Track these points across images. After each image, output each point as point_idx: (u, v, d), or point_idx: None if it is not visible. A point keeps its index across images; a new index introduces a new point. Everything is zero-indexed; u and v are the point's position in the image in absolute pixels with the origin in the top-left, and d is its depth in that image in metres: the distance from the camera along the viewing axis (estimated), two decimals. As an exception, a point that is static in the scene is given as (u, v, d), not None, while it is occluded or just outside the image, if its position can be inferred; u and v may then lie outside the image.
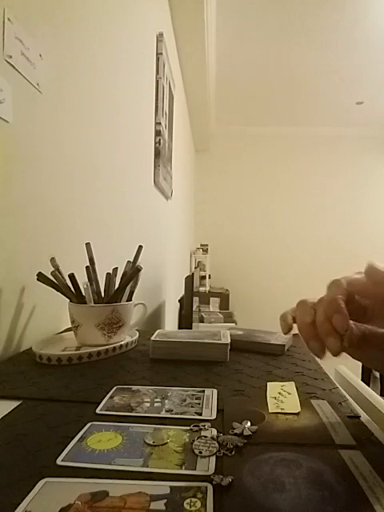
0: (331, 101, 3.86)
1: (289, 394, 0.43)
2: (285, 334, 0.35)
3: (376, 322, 0.33)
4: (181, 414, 0.38)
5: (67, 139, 0.81)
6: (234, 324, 3.05)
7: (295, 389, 0.44)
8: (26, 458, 0.29)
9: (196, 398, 0.42)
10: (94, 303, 0.63)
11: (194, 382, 0.47)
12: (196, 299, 2.16)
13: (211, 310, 3.76)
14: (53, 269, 0.61)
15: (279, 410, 0.38)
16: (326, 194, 4.69)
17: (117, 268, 0.69)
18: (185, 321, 1.87)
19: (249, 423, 0.35)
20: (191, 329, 1.79)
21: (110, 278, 0.67)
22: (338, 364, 0.63)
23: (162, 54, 1.79)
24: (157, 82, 1.80)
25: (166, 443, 0.32)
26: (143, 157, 1.61)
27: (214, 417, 0.37)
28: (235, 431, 0.34)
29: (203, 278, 4.17)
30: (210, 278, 4.38)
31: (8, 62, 0.58)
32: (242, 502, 0.24)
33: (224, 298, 4.07)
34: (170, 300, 2.47)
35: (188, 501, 0.24)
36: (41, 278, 0.60)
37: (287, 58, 3.05)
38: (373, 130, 4.57)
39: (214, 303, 3.93)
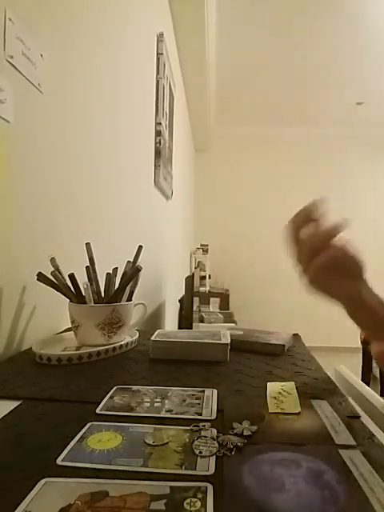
0: (331, 101, 3.85)
1: (289, 394, 0.43)
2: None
3: None
4: (181, 414, 0.38)
5: (68, 139, 0.81)
6: (234, 324, 3.04)
7: (295, 389, 0.44)
8: (26, 458, 0.29)
9: (196, 398, 0.42)
10: (94, 303, 0.63)
11: (194, 382, 0.47)
12: (196, 299, 2.15)
13: (211, 310, 3.76)
14: (53, 269, 0.61)
15: (279, 410, 0.38)
16: (325, 193, 4.68)
17: (117, 268, 0.69)
18: (185, 321, 1.87)
19: (249, 423, 0.35)
20: (191, 329, 1.79)
21: (110, 278, 0.67)
22: (338, 364, 0.63)
23: (162, 54, 1.79)
24: (157, 82, 1.80)
25: (166, 443, 0.32)
26: (143, 157, 1.61)
27: (214, 417, 0.37)
28: (235, 431, 0.33)
29: (203, 278, 4.17)
30: (210, 278, 4.38)
31: (9, 62, 0.58)
32: (241, 502, 0.24)
33: (224, 298, 4.07)
34: (170, 300, 2.47)
35: (188, 501, 0.24)
36: (41, 278, 0.60)
37: (287, 58, 3.05)
38: (373, 130, 4.56)
39: (214, 303, 3.92)
